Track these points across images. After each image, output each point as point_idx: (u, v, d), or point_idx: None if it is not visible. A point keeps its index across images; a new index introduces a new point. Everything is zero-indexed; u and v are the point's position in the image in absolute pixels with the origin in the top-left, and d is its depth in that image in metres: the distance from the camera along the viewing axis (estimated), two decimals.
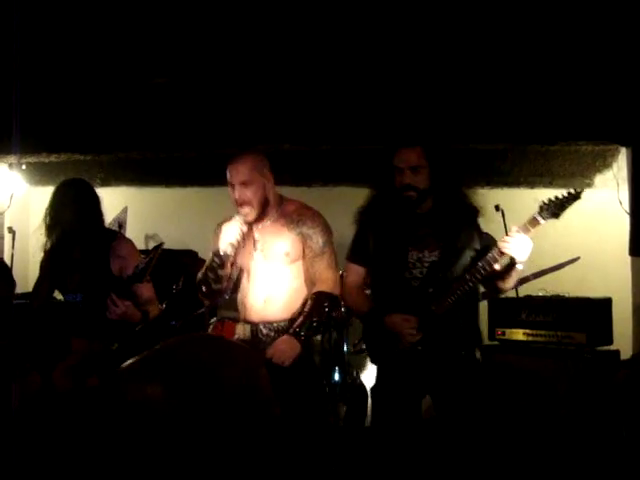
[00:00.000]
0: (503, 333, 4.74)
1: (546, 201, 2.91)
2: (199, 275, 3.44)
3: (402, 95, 4.40)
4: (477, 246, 3.07)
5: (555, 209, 2.90)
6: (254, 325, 3.41)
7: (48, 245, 3.66)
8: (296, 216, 3.44)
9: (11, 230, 5.55)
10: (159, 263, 3.61)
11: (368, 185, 3.24)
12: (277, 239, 3.40)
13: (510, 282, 3.08)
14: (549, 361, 4.39)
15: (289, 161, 5.49)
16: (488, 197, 5.66)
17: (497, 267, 2.95)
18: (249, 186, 3.31)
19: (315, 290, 3.38)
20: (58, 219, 3.57)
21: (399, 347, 2.98)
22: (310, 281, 3.45)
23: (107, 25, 4.02)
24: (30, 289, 5.39)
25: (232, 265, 3.45)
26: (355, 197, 6.04)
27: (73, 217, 3.55)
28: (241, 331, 3.46)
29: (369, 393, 4.90)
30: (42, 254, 3.74)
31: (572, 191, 2.93)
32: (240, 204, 3.33)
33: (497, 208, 5.30)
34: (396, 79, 4.34)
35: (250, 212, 3.34)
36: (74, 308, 3.56)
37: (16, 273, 5.50)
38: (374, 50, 4.20)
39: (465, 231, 3.04)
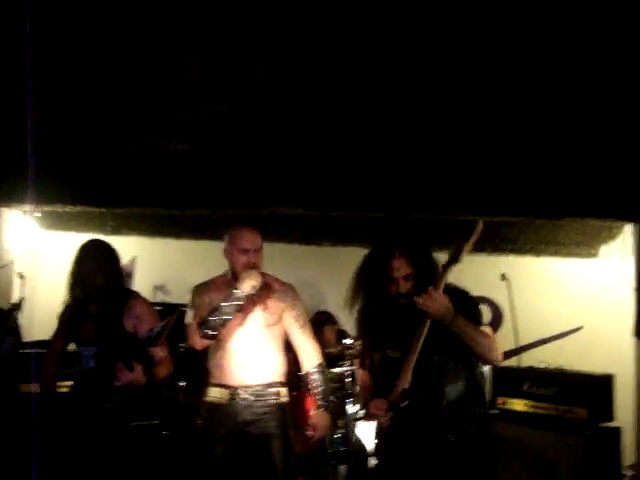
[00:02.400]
0: (504, 403, 4.76)
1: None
2: (207, 316, 3.51)
3: (410, 167, 4.48)
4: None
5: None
6: (232, 389, 3.58)
7: (69, 300, 3.74)
8: (279, 287, 3.75)
9: (21, 276, 5.59)
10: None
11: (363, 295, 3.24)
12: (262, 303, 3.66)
13: (475, 347, 2.87)
14: (549, 434, 4.41)
15: (300, 221, 5.58)
16: (493, 264, 5.82)
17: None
18: (259, 253, 3.65)
19: (307, 363, 3.76)
20: (81, 278, 3.65)
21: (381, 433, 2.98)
22: (282, 346, 3.75)
23: (126, 88, 4.12)
24: (36, 335, 5.47)
25: None
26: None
27: (96, 276, 3.62)
28: (217, 395, 3.62)
29: (369, 456, 4.96)
30: (62, 308, 3.81)
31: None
32: (252, 267, 3.56)
33: (503, 277, 5.38)
34: (405, 151, 4.43)
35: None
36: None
37: (24, 319, 5.57)
38: (376, 122, 4.29)
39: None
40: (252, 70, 4.01)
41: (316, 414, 3.70)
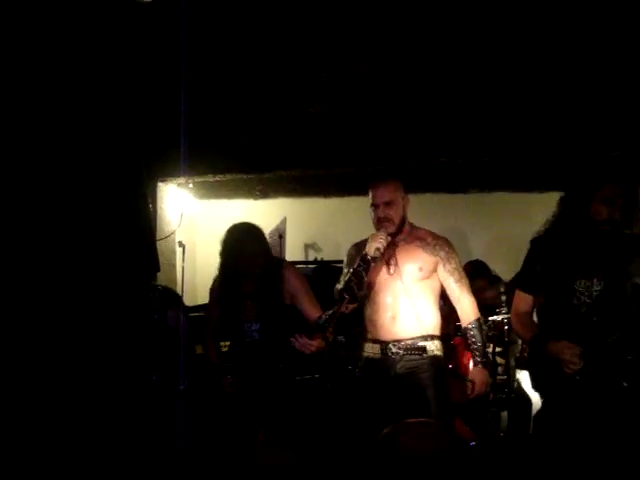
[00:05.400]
0: None
1: None
2: (339, 286, 3.58)
3: (555, 108, 4.32)
4: None
5: None
6: (384, 344, 3.61)
7: (220, 277, 3.95)
8: (432, 240, 3.69)
9: (181, 244, 5.85)
10: (320, 277, 3.71)
11: (557, 213, 3.18)
12: (411, 256, 3.63)
13: None
14: None
15: (445, 169, 5.51)
16: None
17: None
18: (392, 205, 3.59)
19: (465, 318, 3.70)
20: (230, 259, 3.84)
21: (560, 375, 2.93)
22: (435, 299, 3.69)
23: (268, 61, 4.21)
24: (198, 299, 5.76)
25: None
26: (512, 202, 5.98)
27: (258, 257, 3.80)
28: (370, 349, 3.67)
29: (532, 402, 4.90)
30: (213, 283, 4.02)
31: None
32: (382, 221, 3.57)
33: None
34: (561, 90, 4.27)
35: (390, 226, 3.58)
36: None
37: (186, 284, 5.86)
38: (512, 72, 4.18)
39: (636, 262, 2.91)
40: (388, 27, 4.00)
41: (474, 370, 3.66)
